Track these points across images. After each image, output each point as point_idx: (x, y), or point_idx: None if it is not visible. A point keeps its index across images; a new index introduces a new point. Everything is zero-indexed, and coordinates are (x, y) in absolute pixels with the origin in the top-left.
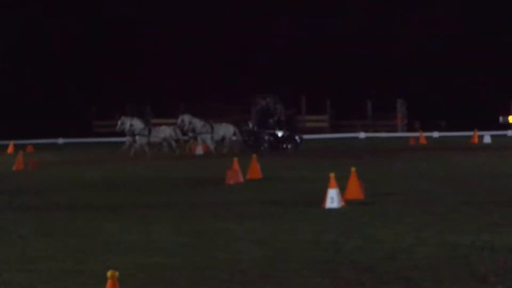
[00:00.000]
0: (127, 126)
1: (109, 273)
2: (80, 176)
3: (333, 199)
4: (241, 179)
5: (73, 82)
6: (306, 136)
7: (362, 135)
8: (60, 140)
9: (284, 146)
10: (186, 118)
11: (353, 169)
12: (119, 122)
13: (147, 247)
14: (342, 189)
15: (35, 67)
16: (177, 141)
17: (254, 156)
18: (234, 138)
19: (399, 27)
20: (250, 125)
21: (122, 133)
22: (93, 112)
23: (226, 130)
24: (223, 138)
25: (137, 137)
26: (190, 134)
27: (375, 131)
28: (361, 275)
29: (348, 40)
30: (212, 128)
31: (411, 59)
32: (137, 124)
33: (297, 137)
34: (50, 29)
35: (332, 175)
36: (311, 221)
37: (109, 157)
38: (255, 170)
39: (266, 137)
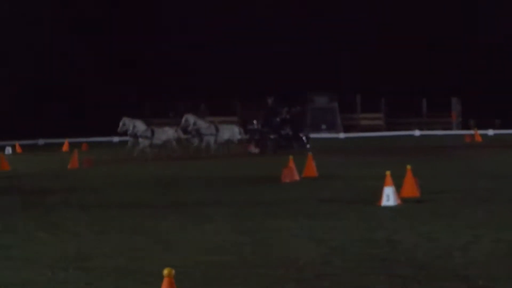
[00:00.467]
0: (129, 127)
1: (165, 271)
2: (134, 174)
3: (389, 197)
4: (297, 177)
5: (127, 80)
6: (361, 134)
7: (417, 133)
8: (115, 139)
9: (290, 145)
10: (191, 118)
11: (408, 167)
12: (120, 123)
13: (203, 245)
14: (398, 187)
15: (97, 66)
16: (179, 141)
17: (309, 154)
18: (238, 137)
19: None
20: (255, 124)
21: (125, 134)
22: (148, 110)
23: (231, 132)
24: (228, 140)
25: (140, 139)
26: (193, 133)
27: (430, 129)
28: (417, 273)
29: (402, 39)
30: (217, 129)
31: (465, 57)
32: (140, 126)
33: (303, 136)
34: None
35: (388, 173)
36: (367, 219)
37: (162, 155)
38: (311, 168)
39: (272, 137)
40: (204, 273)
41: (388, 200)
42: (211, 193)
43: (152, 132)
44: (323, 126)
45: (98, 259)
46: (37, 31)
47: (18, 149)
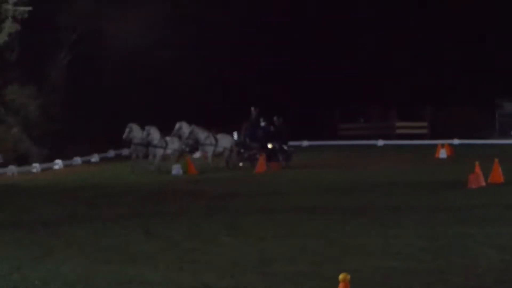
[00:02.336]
0: (136, 134)
1: (341, 276)
2: (322, 179)
3: None
4: (483, 183)
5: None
6: None
7: None
8: (305, 143)
9: (276, 158)
10: (185, 126)
11: None
12: (126, 129)
13: (385, 250)
14: None
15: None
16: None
17: (496, 160)
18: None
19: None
20: (237, 136)
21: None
22: (338, 115)
23: (227, 142)
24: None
25: (153, 149)
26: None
27: None
28: None
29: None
30: (216, 140)
31: None
32: (155, 134)
33: (286, 148)
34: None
35: None
36: None
37: (351, 160)
38: (497, 174)
39: (255, 150)
40: (382, 279)
41: None
42: (396, 199)
43: (166, 142)
44: None
45: (279, 263)
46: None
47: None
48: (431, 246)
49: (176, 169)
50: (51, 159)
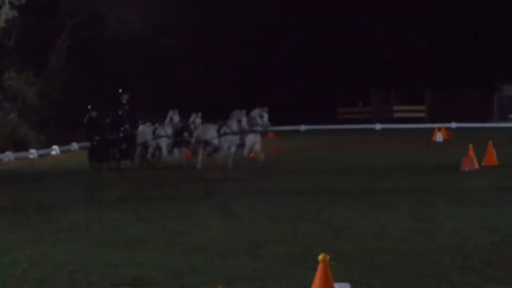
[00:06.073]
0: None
1: (320, 257)
2: (318, 162)
3: None
4: (476, 166)
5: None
6: None
7: None
8: (302, 127)
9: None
10: (176, 117)
11: None
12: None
13: (376, 232)
14: None
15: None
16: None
17: (490, 142)
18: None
19: None
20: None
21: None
22: (337, 99)
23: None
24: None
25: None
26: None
27: None
28: None
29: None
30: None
31: None
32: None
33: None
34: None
35: None
36: None
37: (348, 144)
38: (491, 156)
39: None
40: (371, 260)
41: None
42: (389, 182)
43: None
44: (510, 115)
45: (270, 246)
46: None
47: None
48: (421, 228)
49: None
50: (49, 145)
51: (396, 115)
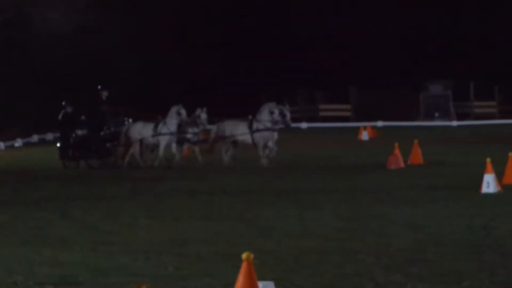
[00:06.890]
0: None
1: (244, 255)
2: (246, 161)
3: (489, 184)
4: (402, 165)
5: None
6: (475, 122)
7: None
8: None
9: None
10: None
11: (511, 154)
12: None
13: (302, 231)
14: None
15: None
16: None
17: (415, 141)
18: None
19: None
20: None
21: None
22: (263, 98)
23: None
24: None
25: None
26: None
27: None
28: (506, 259)
29: None
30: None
31: None
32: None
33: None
34: None
35: (488, 160)
36: (466, 206)
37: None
38: (417, 155)
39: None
40: (296, 259)
41: (488, 187)
42: (315, 180)
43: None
44: (436, 114)
45: (194, 244)
46: None
47: None
48: (347, 227)
49: None
50: None
51: (322, 113)
